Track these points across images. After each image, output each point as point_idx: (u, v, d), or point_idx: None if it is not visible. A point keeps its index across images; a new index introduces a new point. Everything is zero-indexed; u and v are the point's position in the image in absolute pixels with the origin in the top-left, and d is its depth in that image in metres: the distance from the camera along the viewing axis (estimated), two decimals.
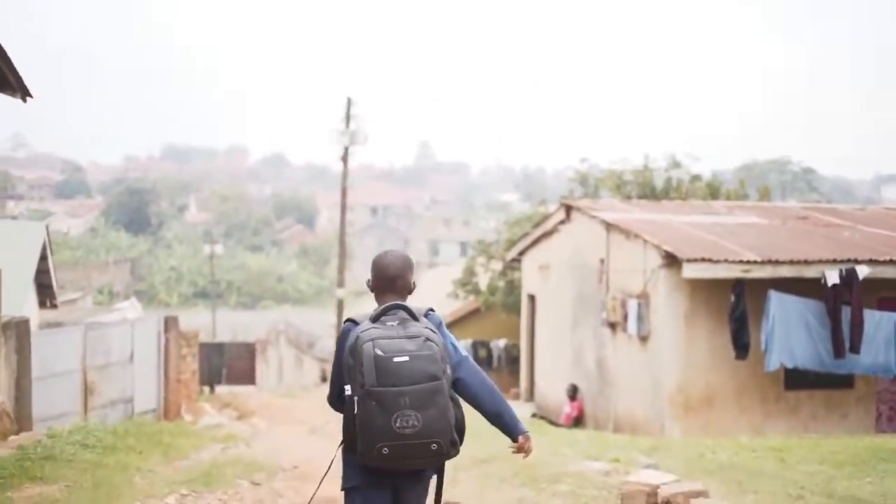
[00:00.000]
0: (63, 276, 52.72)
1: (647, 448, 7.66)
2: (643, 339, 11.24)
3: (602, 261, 12.64)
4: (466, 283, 21.25)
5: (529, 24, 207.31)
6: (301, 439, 10.37)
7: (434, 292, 24.99)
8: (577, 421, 13.72)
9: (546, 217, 15.50)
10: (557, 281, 14.92)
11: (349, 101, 21.35)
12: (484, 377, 3.26)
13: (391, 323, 3.09)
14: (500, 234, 21.30)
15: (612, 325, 12.18)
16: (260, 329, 31.82)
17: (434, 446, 2.97)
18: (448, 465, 3.17)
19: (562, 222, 13.75)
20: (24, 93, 9.61)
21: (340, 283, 22.82)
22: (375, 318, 3.11)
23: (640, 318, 11.08)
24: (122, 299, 37.78)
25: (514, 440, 3.27)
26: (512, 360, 21.23)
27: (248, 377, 25.82)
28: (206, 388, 23.04)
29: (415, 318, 3.13)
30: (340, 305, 22.96)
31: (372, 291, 3.32)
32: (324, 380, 22.65)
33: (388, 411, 2.92)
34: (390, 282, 3.27)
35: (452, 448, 3.04)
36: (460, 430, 3.09)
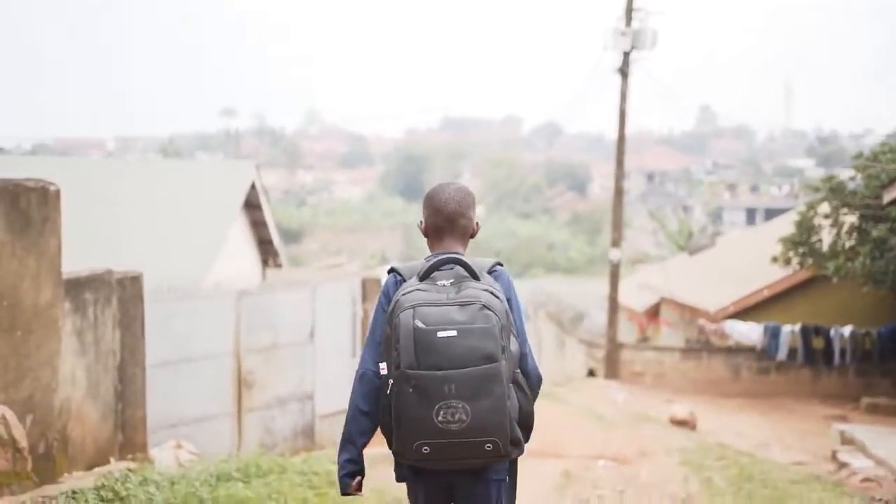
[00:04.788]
0: (340, 240, 54.28)
1: None
2: None
3: None
4: (801, 242, 14.53)
5: None
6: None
7: (731, 261, 18.58)
8: None
9: None
10: None
11: None
12: (536, 388, 2.53)
13: (443, 282, 2.45)
14: (856, 174, 14.18)
15: None
16: (524, 298, 27.45)
17: (489, 447, 2.31)
18: None
19: None
20: None
21: (616, 242, 17.10)
22: (424, 276, 2.48)
23: None
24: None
25: None
26: (862, 355, 14.75)
27: None
28: None
29: (475, 275, 2.46)
30: (615, 273, 17.35)
31: (426, 235, 2.67)
32: (591, 373, 17.28)
33: (429, 401, 2.30)
34: (450, 220, 2.63)
35: (514, 448, 2.41)
36: (525, 424, 2.45)
